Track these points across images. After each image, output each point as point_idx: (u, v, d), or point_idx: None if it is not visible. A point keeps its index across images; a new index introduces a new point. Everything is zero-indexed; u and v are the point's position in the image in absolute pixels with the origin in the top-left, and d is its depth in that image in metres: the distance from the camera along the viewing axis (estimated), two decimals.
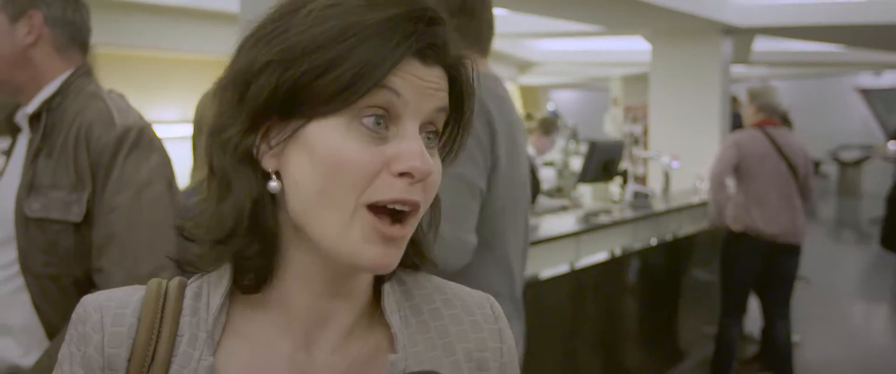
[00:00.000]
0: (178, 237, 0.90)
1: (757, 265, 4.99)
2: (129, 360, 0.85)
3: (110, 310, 0.87)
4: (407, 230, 0.83)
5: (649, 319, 5.35)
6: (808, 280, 7.04)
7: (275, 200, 0.84)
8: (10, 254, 1.90)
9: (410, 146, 0.80)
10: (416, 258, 0.92)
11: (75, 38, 2.01)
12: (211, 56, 9.12)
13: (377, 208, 0.80)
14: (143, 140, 1.91)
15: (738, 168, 4.98)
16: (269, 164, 0.83)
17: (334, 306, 0.88)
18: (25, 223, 1.88)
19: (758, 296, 5.23)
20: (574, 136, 12.34)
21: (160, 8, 7.67)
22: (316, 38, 0.79)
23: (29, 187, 1.89)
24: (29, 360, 1.91)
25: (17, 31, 1.94)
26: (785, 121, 5.88)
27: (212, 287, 0.88)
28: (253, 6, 3.86)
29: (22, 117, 1.99)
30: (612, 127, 12.92)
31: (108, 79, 2.17)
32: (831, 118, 18.18)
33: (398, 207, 0.81)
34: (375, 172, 0.80)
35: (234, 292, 0.88)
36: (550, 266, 4.18)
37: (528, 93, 18.33)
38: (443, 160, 0.89)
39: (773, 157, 4.89)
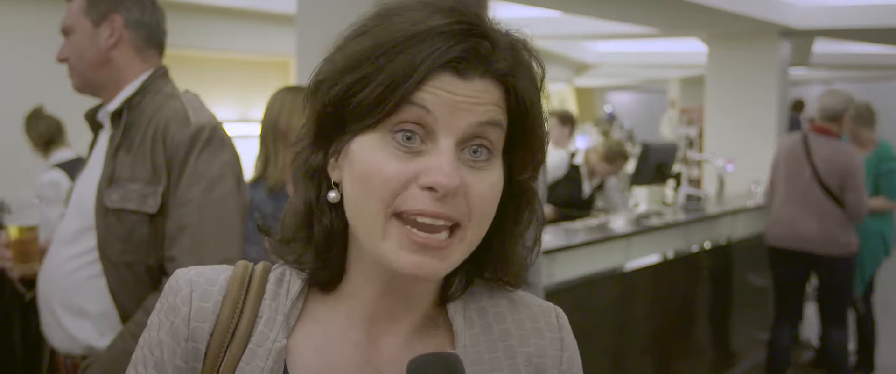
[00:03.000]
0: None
1: (797, 273, 4.87)
2: (212, 335, 0.91)
3: (199, 286, 0.93)
4: (445, 241, 0.84)
5: (701, 322, 5.33)
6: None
7: (337, 209, 0.90)
8: (90, 241, 2.03)
9: (437, 162, 0.82)
10: (510, 279, 0.95)
11: (152, 40, 2.14)
12: (265, 56, 9.30)
13: (406, 219, 0.83)
14: (215, 138, 2.02)
15: (773, 172, 4.94)
16: (333, 175, 0.89)
17: (400, 306, 0.92)
18: (105, 213, 2.01)
19: (816, 303, 5.14)
20: (631, 138, 12.26)
21: (216, 9, 7.84)
22: (350, 57, 0.84)
23: (109, 180, 2.02)
24: (104, 342, 2.04)
25: (100, 35, 2.07)
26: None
27: (293, 274, 0.94)
28: (310, 8, 3.94)
29: (104, 115, 2.13)
30: (670, 129, 12.80)
31: None
32: (894, 122, 17.77)
33: (428, 220, 0.82)
34: (403, 185, 0.83)
35: (312, 281, 0.94)
36: (600, 267, 4.20)
37: (584, 94, 18.23)
38: (518, 174, 0.90)
39: (798, 162, 4.72)
